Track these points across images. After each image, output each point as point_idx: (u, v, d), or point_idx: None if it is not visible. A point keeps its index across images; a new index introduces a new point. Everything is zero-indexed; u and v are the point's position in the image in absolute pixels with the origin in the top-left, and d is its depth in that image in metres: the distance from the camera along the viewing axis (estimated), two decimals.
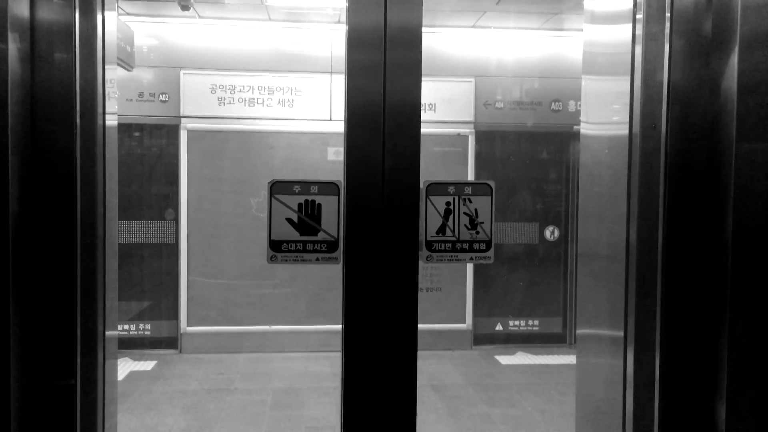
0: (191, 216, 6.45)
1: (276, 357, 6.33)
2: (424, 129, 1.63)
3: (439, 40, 6.74)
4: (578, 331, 2.01)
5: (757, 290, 1.56)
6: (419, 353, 1.68)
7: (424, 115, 6.27)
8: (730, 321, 1.56)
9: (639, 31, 1.66)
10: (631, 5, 1.69)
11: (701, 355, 1.63)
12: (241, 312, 6.52)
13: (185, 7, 5.99)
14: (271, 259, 1.69)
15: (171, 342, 6.48)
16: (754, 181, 1.54)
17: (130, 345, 6.37)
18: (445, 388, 5.51)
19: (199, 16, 6.41)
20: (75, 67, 1.53)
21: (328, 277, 6.35)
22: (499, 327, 6.89)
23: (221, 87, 6.49)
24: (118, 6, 1.79)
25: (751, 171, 1.54)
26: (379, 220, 1.64)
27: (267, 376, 5.83)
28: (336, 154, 6.45)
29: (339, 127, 6.33)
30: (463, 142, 6.75)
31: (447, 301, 6.76)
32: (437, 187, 1.72)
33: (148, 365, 6.04)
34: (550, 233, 6.94)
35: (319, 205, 1.68)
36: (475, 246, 1.75)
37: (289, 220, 1.69)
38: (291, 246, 1.69)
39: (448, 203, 1.73)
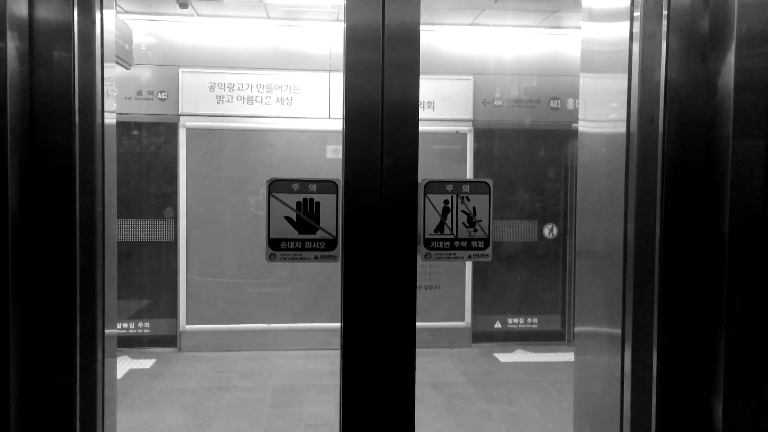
0: (190, 214, 6.45)
1: (275, 355, 6.33)
2: (423, 127, 1.64)
3: (437, 38, 6.73)
4: (576, 329, 2.01)
5: (754, 287, 1.57)
6: (418, 351, 1.69)
7: (423, 113, 6.26)
8: (727, 318, 1.57)
9: (636, 29, 1.67)
10: (628, 3, 1.69)
11: (698, 353, 1.64)
12: (240, 310, 6.52)
13: (184, 5, 5.99)
14: (270, 258, 1.69)
15: (170, 340, 6.48)
16: (751, 179, 1.55)
17: (129, 343, 6.38)
18: (444, 385, 5.52)
19: (198, 14, 6.40)
20: (74, 65, 1.53)
21: (327, 275, 6.36)
22: (498, 325, 6.90)
23: (220, 85, 6.49)
24: (116, 4, 1.79)
25: (748, 168, 1.55)
26: (377, 218, 1.64)
27: (266, 374, 5.84)
28: (335, 152, 6.45)
29: (338, 125, 6.30)
30: (461, 139, 6.75)
31: (446, 298, 6.77)
32: (435, 186, 1.72)
33: (147, 363, 6.05)
34: (549, 231, 6.95)
35: (318, 203, 1.69)
36: (474, 244, 1.76)
37: (287, 218, 1.69)
38: (290, 244, 1.70)
39: (446, 201, 1.73)
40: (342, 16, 1.67)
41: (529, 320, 6.94)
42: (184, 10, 6.14)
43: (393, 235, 1.65)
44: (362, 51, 1.62)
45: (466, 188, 1.75)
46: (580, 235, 1.98)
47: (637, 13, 1.67)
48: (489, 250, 1.77)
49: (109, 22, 1.66)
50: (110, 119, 1.67)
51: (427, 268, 6.68)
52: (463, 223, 1.74)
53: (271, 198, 1.68)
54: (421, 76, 1.64)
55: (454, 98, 6.75)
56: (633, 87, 1.68)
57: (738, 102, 1.54)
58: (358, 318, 1.66)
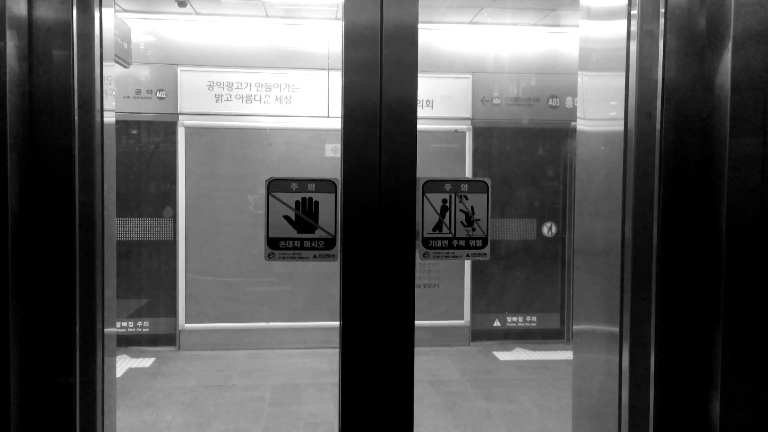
0: (189, 213, 6.45)
1: (274, 354, 6.34)
2: (421, 125, 1.64)
3: (436, 37, 6.73)
4: (575, 327, 2.02)
5: (751, 284, 1.57)
6: (417, 349, 1.69)
7: (422, 112, 6.28)
8: (724, 315, 1.57)
9: (634, 28, 1.67)
10: (626, 2, 1.70)
11: (696, 350, 1.65)
12: (239, 309, 6.52)
13: (182, 4, 5.98)
14: (269, 257, 1.70)
15: (169, 339, 6.48)
16: (747, 177, 1.55)
17: (128, 342, 6.38)
18: (443, 383, 5.53)
19: (197, 13, 6.40)
20: (73, 64, 1.53)
21: (325, 274, 6.36)
22: (497, 323, 6.90)
23: (219, 84, 6.49)
24: (115, 3, 1.79)
25: (744, 166, 1.55)
26: (376, 217, 1.64)
27: (265, 372, 5.84)
28: (333, 150, 6.45)
29: (336, 123, 6.31)
30: (460, 138, 6.75)
31: (445, 297, 6.77)
32: (434, 185, 1.72)
33: (146, 362, 6.05)
34: (548, 229, 6.95)
35: (317, 202, 1.69)
36: (472, 243, 1.76)
37: (286, 217, 1.69)
38: (289, 243, 1.70)
39: (444, 200, 1.73)
40: (340, 15, 1.67)
41: (527, 318, 6.94)
42: (182, 9, 6.14)
43: (391, 234, 1.65)
44: (361, 50, 1.63)
45: (465, 187, 1.75)
46: (579, 233, 1.98)
47: (634, 12, 1.67)
48: (487, 249, 1.77)
49: (108, 21, 1.66)
50: (109, 118, 1.67)
51: (426, 267, 6.68)
52: (462, 222, 1.75)
53: (270, 197, 1.69)
54: (419, 75, 1.64)
55: (453, 97, 6.75)
56: (630, 85, 1.68)
57: (735, 100, 1.54)
58: (357, 317, 1.67)
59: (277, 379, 5.61)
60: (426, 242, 1.72)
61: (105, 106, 1.64)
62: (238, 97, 6.51)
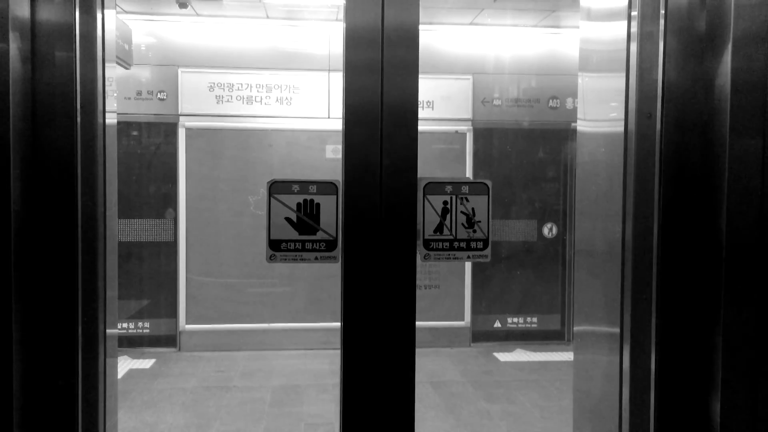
0: (190, 214, 6.45)
1: (275, 354, 6.34)
2: (422, 126, 1.64)
3: (436, 38, 6.74)
4: (575, 328, 2.02)
5: (751, 286, 1.57)
6: (418, 350, 1.69)
7: (422, 113, 6.28)
8: (724, 316, 1.57)
9: (634, 29, 1.67)
10: (626, 3, 1.70)
11: (696, 351, 1.65)
12: (240, 310, 6.53)
13: (183, 5, 5.99)
14: (271, 258, 1.70)
15: (170, 340, 6.48)
16: (747, 178, 1.56)
17: (129, 343, 6.38)
18: (444, 384, 5.53)
19: (197, 14, 6.40)
20: (75, 65, 1.53)
21: (326, 275, 6.36)
22: (497, 324, 6.90)
23: (219, 85, 6.49)
24: (116, 4, 1.79)
25: (744, 167, 1.56)
26: (377, 219, 1.65)
27: (266, 373, 5.84)
28: (334, 152, 6.45)
29: (337, 124, 6.32)
30: (460, 139, 6.76)
31: (445, 298, 6.78)
32: (435, 186, 1.73)
33: (147, 363, 6.05)
34: (549, 230, 6.96)
35: (318, 204, 1.69)
36: (473, 244, 1.77)
37: (288, 219, 1.70)
38: (290, 245, 1.70)
39: (445, 202, 1.74)
40: (341, 16, 1.68)
41: (528, 319, 6.94)
42: (183, 10, 6.14)
43: (393, 236, 1.65)
44: (362, 51, 1.63)
45: (465, 189, 1.75)
46: (579, 234, 1.98)
47: (634, 13, 1.67)
48: (488, 251, 1.77)
49: (110, 23, 1.66)
50: (111, 119, 1.68)
51: (426, 268, 6.68)
52: (462, 224, 1.75)
53: (272, 199, 1.69)
54: (420, 76, 1.65)
55: (454, 98, 6.75)
56: (631, 86, 1.69)
57: (735, 101, 1.55)
58: (358, 318, 1.67)
59: (277, 380, 5.62)
60: (427, 244, 1.73)
61: (107, 108, 1.64)
62: (238, 98, 6.51)
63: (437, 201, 1.73)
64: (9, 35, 1.42)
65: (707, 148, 1.62)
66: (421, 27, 1.65)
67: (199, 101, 6.47)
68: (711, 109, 1.61)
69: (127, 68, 5.99)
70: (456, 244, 1.75)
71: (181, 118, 6.45)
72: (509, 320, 6.92)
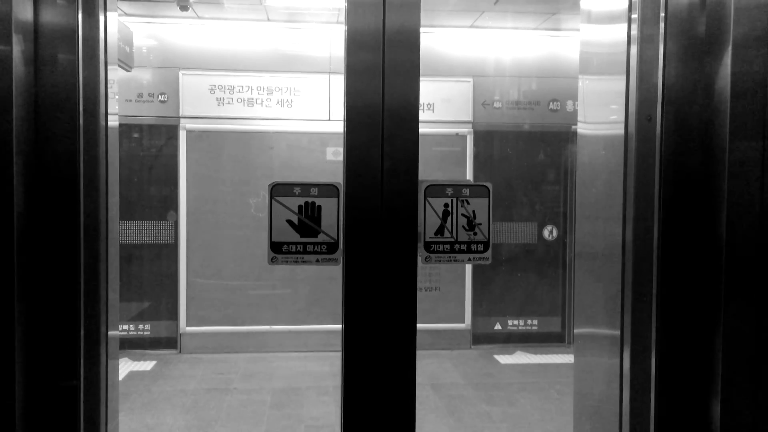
0: (190, 216, 6.46)
1: (275, 357, 6.34)
2: (423, 129, 1.65)
3: (437, 40, 6.75)
4: (576, 330, 2.02)
5: (751, 288, 1.58)
6: (418, 353, 1.70)
7: (423, 115, 6.24)
8: (724, 318, 1.58)
9: (634, 32, 1.68)
10: (626, 6, 1.70)
11: (696, 354, 1.65)
12: (240, 312, 6.53)
13: (184, 8, 6.00)
14: (272, 261, 1.70)
15: (170, 342, 6.48)
16: (747, 181, 1.56)
17: (129, 345, 6.38)
18: (445, 387, 5.53)
19: (198, 17, 6.42)
20: (78, 68, 1.54)
21: (327, 277, 6.37)
22: (498, 326, 6.90)
23: (220, 87, 6.50)
24: (117, 7, 1.80)
25: (744, 170, 1.56)
26: (378, 221, 1.65)
27: (266, 375, 5.84)
28: (335, 154, 6.46)
29: (338, 127, 6.33)
30: (461, 141, 6.76)
31: (446, 300, 6.78)
32: (435, 189, 1.73)
33: (147, 365, 6.05)
34: (549, 233, 6.96)
35: (319, 206, 1.70)
36: (473, 247, 1.77)
37: (289, 221, 1.70)
38: (291, 247, 1.71)
39: (446, 205, 1.74)
40: (342, 19, 1.68)
41: (529, 322, 6.94)
42: (184, 13, 6.15)
43: (394, 238, 1.66)
44: (363, 54, 1.63)
45: (466, 191, 1.76)
46: (580, 236, 1.99)
47: (635, 16, 1.68)
48: (489, 253, 1.78)
49: (112, 25, 1.67)
50: (113, 122, 1.68)
51: (427, 270, 6.68)
52: (463, 227, 1.76)
53: (273, 201, 1.69)
54: (421, 79, 1.65)
55: (454, 100, 6.76)
56: (631, 89, 1.69)
57: (734, 104, 1.55)
58: (359, 320, 1.67)
59: (278, 383, 5.62)
60: (428, 246, 1.73)
61: (109, 110, 1.65)
62: (239, 100, 6.52)
63: (438, 203, 1.73)
64: (12, 38, 1.42)
65: (707, 150, 1.63)
66: (421, 30, 1.65)
67: (200, 103, 6.48)
68: (711, 112, 1.62)
69: (128, 71, 6.01)
70: (457, 246, 1.76)
71: (182, 120, 6.46)
72: (510, 322, 6.92)
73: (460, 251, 1.76)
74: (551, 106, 6.89)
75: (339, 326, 1.73)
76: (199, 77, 6.48)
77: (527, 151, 6.95)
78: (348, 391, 1.69)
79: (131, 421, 4.64)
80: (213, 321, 6.49)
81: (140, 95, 6.44)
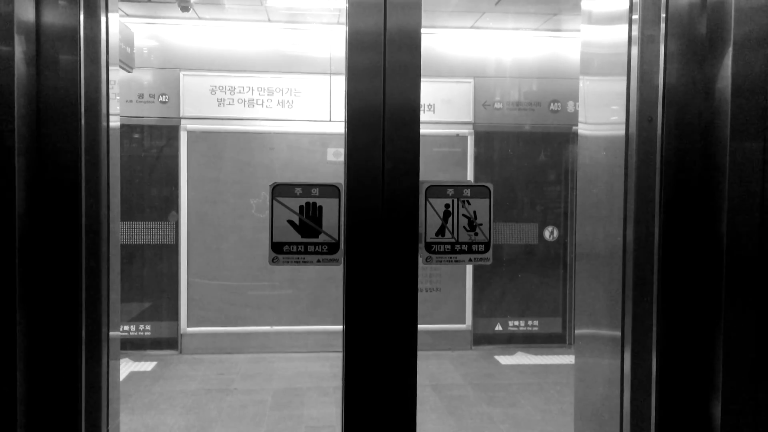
0: (191, 217, 6.46)
1: (276, 357, 6.34)
2: (424, 130, 1.65)
3: (438, 41, 6.75)
4: (577, 331, 2.02)
5: (752, 289, 1.58)
6: (419, 353, 1.70)
7: (423, 116, 6.23)
8: (725, 319, 1.58)
9: (635, 33, 1.68)
10: (627, 7, 1.71)
11: (697, 355, 1.65)
12: (241, 313, 6.53)
13: (185, 9, 6.00)
14: (273, 261, 1.71)
15: (171, 343, 6.49)
16: (748, 181, 1.56)
17: (130, 346, 6.38)
18: (445, 387, 5.52)
19: (199, 17, 6.42)
20: (80, 69, 1.54)
21: (327, 278, 6.37)
22: (498, 327, 6.90)
23: (221, 88, 6.50)
24: (118, 7, 1.80)
25: (745, 170, 1.56)
26: (379, 222, 1.65)
27: (267, 376, 5.84)
28: (335, 155, 6.46)
29: (338, 127, 6.33)
30: (462, 142, 6.76)
31: (446, 301, 6.78)
32: (436, 189, 1.73)
33: (148, 366, 6.05)
34: (550, 233, 6.96)
35: (320, 207, 1.70)
36: (474, 247, 1.77)
37: (290, 222, 1.70)
38: (293, 248, 1.71)
39: (447, 205, 1.74)
40: (343, 19, 1.68)
41: (529, 323, 6.94)
42: (185, 14, 6.15)
43: (395, 239, 1.66)
44: (364, 55, 1.64)
45: (467, 192, 1.76)
46: (580, 237, 1.99)
47: (635, 17, 1.68)
48: (489, 254, 1.78)
49: (114, 26, 1.67)
50: (114, 122, 1.68)
51: (427, 271, 6.68)
52: (464, 227, 1.76)
53: (274, 202, 1.70)
54: (422, 79, 1.65)
55: (455, 101, 6.76)
56: (632, 90, 1.69)
57: (735, 105, 1.55)
58: (360, 320, 1.68)
59: (278, 383, 5.62)
60: (429, 247, 1.73)
61: (110, 111, 1.65)
62: (240, 101, 6.53)
63: (439, 204, 1.74)
64: (14, 38, 1.43)
65: (708, 151, 1.63)
66: (422, 31, 1.66)
67: (200, 104, 6.49)
68: (711, 113, 1.62)
69: (129, 71, 6.01)
70: (458, 246, 1.76)
71: (182, 121, 6.47)
72: (510, 323, 6.92)
73: (461, 252, 1.76)
74: (552, 106, 6.89)
75: (339, 327, 1.73)
76: (200, 78, 6.48)
77: (528, 152, 6.95)
78: (349, 392, 1.69)
79: (132, 422, 4.64)
80: (214, 322, 6.50)
81: (141, 96, 6.45)
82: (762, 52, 1.55)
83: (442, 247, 1.75)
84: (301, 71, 6.51)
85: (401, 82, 1.64)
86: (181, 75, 6.47)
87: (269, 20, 6.49)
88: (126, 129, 6.38)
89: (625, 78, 1.71)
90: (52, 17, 1.53)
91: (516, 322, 6.92)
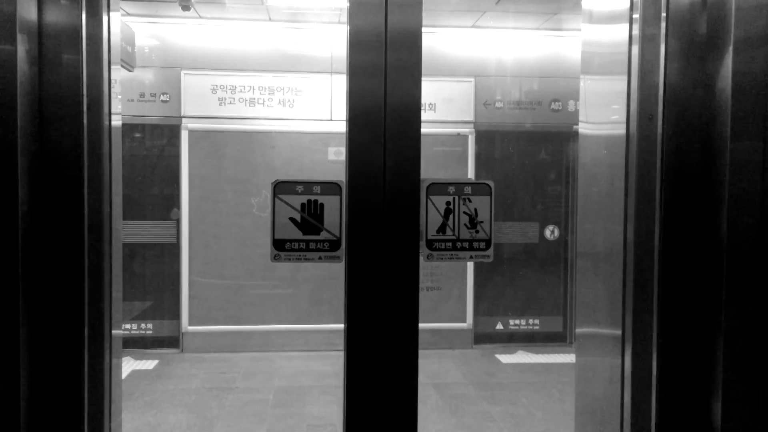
0: (192, 216, 6.47)
1: (277, 356, 6.35)
2: (425, 129, 1.66)
3: (439, 40, 6.75)
4: (577, 330, 2.03)
5: (752, 287, 1.58)
6: (420, 352, 1.70)
7: (425, 115, 6.28)
8: (725, 318, 1.58)
9: (636, 32, 1.68)
10: (627, 6, 1.71)
11: (697, 354, 1.65)
12: (242, 311, 6.54)
13: (186, 8, 6.01)
14: (275, 258, 1.71)
15: (172, 341, 6.50)
16: (748, 180, 1.57)
17: (132, 344, 6.39)
18: (446, 386, 5.53)
19: (200, 17, 6.43)
20: (82, 67, 1.55)
21: (328, 277, 6.37)
22: (499, 326, 6.91)
23: (222, 87, 6.51)
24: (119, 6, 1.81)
25: (745, 170, 1.56)
26: (380, 219, 1.66)
27: (268, 374, 5.85)
28: (336, 154, 6.47)
29: (339, 126, 6.34)
30: (463, 141, 6.77)
31: (447, 300, 6.78)
32: (438, 187, 1.74)
33: (149, 364, 6.06)
34: (550, 232, 6.96)
35: (322, 204, 1.71)
36: (475, 245, 1.78)
37: (292, 219, 1.71)
38: (294, 245, 1.71)
39: (448, 203, 1.75)
40: (344, 19, 1.69)
41: (530, 321, 6.94)
42: (186, 13, 6.16)
43: (396, 236, 1.66)
44: (365, 54, 1.64)
45: (468, 190, 1.76)
46: (581, 236, 1.99)
47: (636, 16, 1.68)
48: (490, 251, 1.78)
49: (115, 25, 1.68)
50: (116, 121, 1.69)
51: (428, 270, 6.69)
52: (465, 225, 1.76)
53: (276, 199, 1.70)
54: (422, 78, 1.66)
55: (456, 100, 6.77)
56: (632, 89, 1.69)
57: (735, 104, 1.55)
58: (361, 318, 1.68)
59: (280, 382, 5.62)
60: (430, 244, 1.74)
61: (112, 110, 1.66)
62: (241, 100, 6.53)
63: (440, 202, 1.74)
64: (17, 37, 1.43)
65: (708, 150, 1.63)
66: (423, 30, 1.66)
67: (201, 103, 6.49)
68: (712, 112, 1.62)
69: (130, 70, 6.02)
70: (459, 244, 1.76)
71: (183, 120, 6.47)
72: (511, 322, 6.92)
73: (462, 249, 1.77)
74: (553, 106, 6.89)
75: (340, 326, 1.73)
76: (201, 77, 6.49)
77: (529, 151, 6.96)
78: (350, 390, 1.70)
79: (134, 420, 4.65)
80: (215, 320, 6.51)
81: (142, 95, 6.45)
82: (762, 51, 1.55)
83: (443, 244, 1.75)
84: (302, 70, 6.52)
85: (402, 80, 1.65)
86: (182, 74, 6.47)
87: (270, 19, 6.50)
88: (127, 128, 6.38)
89: (625, 77, 1.71)
90: (54, 16, 1.53)
91: (517, 321, 6.93)
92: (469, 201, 1.76)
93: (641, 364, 1.69)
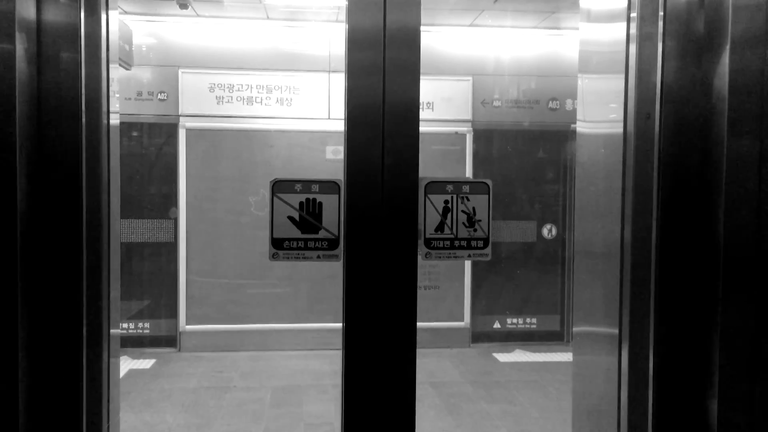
0: (190, 215, 6.46)
1: (275, 355, 6.35)
2: (422, 127, 1.66)
3: (437, 39, 6.75)
4: (575, 329, 2.03)
5: (749, 285, 1.59)
6: (418, 351, 1.70)
7: (422, 114, 6.23)
8: (721, 317, 1.59)
9: (633, 31, 1.69)
10: (625, 5, 1.71)
11: (694, 351, 1.66)
12: (240, 310, 6.53)
13: (183, 6, 6.00)
14: (274, 257, 1.71)
15: (170, 340, 6.49)
16: (745, 178, 1.57)
17: (129, 343, 6.39)
18: (444, 385, 5.54)
19: (198, 15, 6.42)
20: (81, 66, 1.54)
21: (326, 276, 6.37)
22: (497, 325, 6.91)
23: (220, 86, 6.50)
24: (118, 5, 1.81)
25: (742, 168, 1.57)
26: (378, 218, 1.66)
27: (266, 374, 5.85)
28: (334, 152, 6.46)
29: (337, 125, 6.34)
30: (461, 140, 6.77)
31: (445, 299, 6.79)
32: (436, 186, 1.74)
33: (147, 363, 6.06)
34: (548, 231, 6.97)
35: (320, 203, 1.71)
36: (473, 243, 1.78)
37: (290, 218, 1.71)
38: (293, 244, 1.72)
39: (446, 201, 1.75)
40: (342, 17, 1.69)
41: (528, 320, 6.95)
42: (184, 11, 6.15)
43: (394, 235, 1.67)
44: (364, 53, 1.64)
45: (466, 188, 1.77)
46: (579, 235, 2.00)
47: (633, 15, 1.68)
48: (488, 250, 1.79)
49: (114, 24, 1.68)
50: (114, 120, 1.69)
51: (426, 268, 6.69)
52: (463, 223, 1.76)
53: (275, 198, 1.70)
54: (421, 77, 1.66)
55: (454, 99, 6.77)
56: (630, 88, 1.70)
57: (732, 103, 1.56)
58: (359, 317, 1.68)
59: (277, 381, 5.62)
60: (428, 242, 1.74)
61: (110, 108, 1.66)
62: (239, 99, 6.52)
63: (438, 200, 1.74)
64: (15, 36, 1.43)
65: (705, 148, 1.64)
66: (422, 28, 1.66)
67: (199, 102, 6.49)
68: (709, 110, 1.63)
69: (128, 69, 6.01)
70: (457, 242, 1.77)
71: (181, 118, 6.46)
72: (509, 321, 6.93)
73: (460, 247, 1.77)
74: (550, 104, 6.90)
75: (338, 325, 1.74)
76: (199, 75, 6.48)
77: (526, 149, 6.96)
78: (348, 389, 1.70)
79: (131, 419, 4.64)
80: (213, 319, 6.50)
81: (140, 93, 6.44)
82: (759, 50, 1.56)
83: (442, 242, 1.75)
84: (300, 69, 6.51)
85: (401, 79, 1.65)
86: (179, 72, 6.46)
87: (268, 18, 6.49)
88: (125, 127, 6.37)
89: (623, 76, 1.71)
90: (52, 15, 1.53)
91: (514, 320, 6.94)
92: (467, 200, 1.76)
93: (638, 362, 1.70)
